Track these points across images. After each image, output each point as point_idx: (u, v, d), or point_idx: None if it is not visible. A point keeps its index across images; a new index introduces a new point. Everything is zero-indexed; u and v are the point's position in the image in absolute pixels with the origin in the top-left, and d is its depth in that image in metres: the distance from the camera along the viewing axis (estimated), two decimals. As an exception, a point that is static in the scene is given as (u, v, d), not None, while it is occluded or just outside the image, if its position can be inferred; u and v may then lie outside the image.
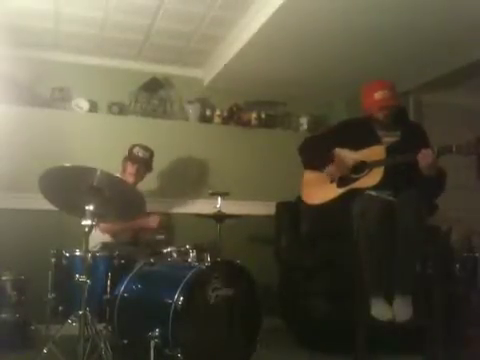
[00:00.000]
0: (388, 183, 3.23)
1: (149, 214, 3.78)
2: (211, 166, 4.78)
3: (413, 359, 3.32)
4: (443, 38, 3.81)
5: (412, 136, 3.38)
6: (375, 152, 3.34)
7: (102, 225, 3.59)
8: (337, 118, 4.79)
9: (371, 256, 3.10)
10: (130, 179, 3.85)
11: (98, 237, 3.57)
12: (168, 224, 4.18)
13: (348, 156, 3.44)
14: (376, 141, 3.38)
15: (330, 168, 3.45)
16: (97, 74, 4.61)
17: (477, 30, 3.65)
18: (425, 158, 3.07)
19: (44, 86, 4.47)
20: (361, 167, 3.37)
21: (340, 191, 3.41)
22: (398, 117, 3.42)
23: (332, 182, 3.46)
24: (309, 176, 3.65)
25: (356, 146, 3.41)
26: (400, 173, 3.21)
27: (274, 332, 3.80)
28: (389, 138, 3.39)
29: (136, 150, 3.97)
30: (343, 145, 3.46)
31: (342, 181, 3.42)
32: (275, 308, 3.81)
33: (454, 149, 3.02)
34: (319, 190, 3.52)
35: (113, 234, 3.77)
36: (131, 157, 3.95)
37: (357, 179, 3.37)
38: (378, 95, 3.31)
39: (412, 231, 3.06)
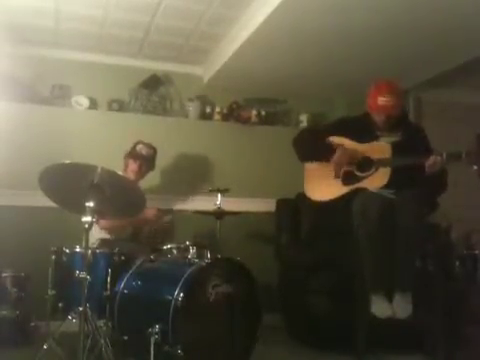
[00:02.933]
0: (390, 181, 3.23)
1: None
2: (211, 163, 4.78)
3: (413, 357, 3.33)
4: (443, 36, 3.81)
5: (413, 138, 3.36)
6: (379, 149, 3.32)
7: (101, 222, 3.58)
8: (337, 115, 4.76)
9: (371, 253, 3.11)
10: (131, 176, 3.83)
11: (96, 233, 3.55)
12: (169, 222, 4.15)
13: (347, 144, 3.42)
14: (374, 139, 3.37)
15: (337, 155, 3.36)
16: (97, 71, 4.61)
17: (477, 28, 3.65)
18: (433, 166, 3.09)
19: (44, 83, 4.47)
20: (367, 164, 3.34)
21: (346, 189, 3.37)
22: (398, 120, 3.39)
23: (336, 177, 3.42)
24: (311, 168, 3.58)
25: (358, 140, 3.40)
26: (402, 172, 3.21)
27: (274, 329, 3.80)
28: (388, 138, 3.37)
29: (139, 147, 3.94)
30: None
31: (347, 177, 3.39)
32: (275, 305, 3.82)
33: (463, 156, 3.01)
34: (324, 186, 3.47)
35: (112, 230, 3.74)
36: (134, 154, 3.93)
37: (363, 178, 3.34)
38: (381, 101, 3.29)
39: (412, 228, 3.06)
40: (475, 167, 3.00)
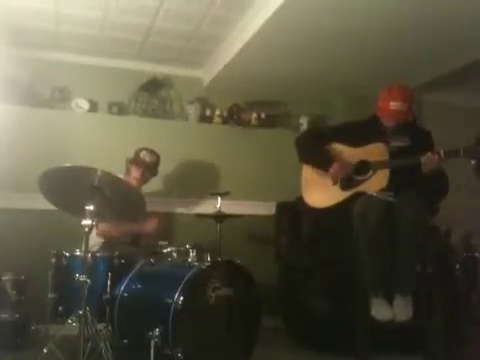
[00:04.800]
0: (389, 184, 3.22)
1: (146, 217, 3.70)
2: (211, 166, 4.78)
3: (413, 359, 3.32)
4: (443, 38, 3.82)
5: (420, 143, 3.33)
6: (376, 150, 3.31)
7: (100, 228, 3.57)
8: (337, 117, 4.80)
9: (371, 256, 3.10)
10: (134, 182, 3.81)
11: (94, 240, 3.50)
12: (165, 226, 4.14)
13: (347, 152, 3.41)
14: (381, 141, 3.33)
15: (334, 168, 3.37)
16: (97, 74, 4.61)
17: (477, 30, 3.65)
18: (430, 163, 3.07)
19: (44, 86, 4.48)
20: (364, 167, 3.32)
21: (346, 194, 3.36)
22: (407, 125, 3.37)
23: (335, 183, 3.41)
24: (309, 173, 3.58)
25: (358, 146, 3.39)
26: (401, 174, 3.20)
27: (274, 332, 3.81)
28: (397, 142, 3.35)
29: (143, 154, 3.93)
30: (345, 144, 3.44)
31: (346, 182, 3.38)
32: (275, 308, 3.81)
33: (461, 153, 3.01)
34: (323, 192, 3.46)
35: (110, 238, 3.69)
36: (137, 161, 3.91)
37: (362, 181, 3.33)
38: (393, 106, 3.26)
39: (412, 231, 3.06)
40: (473, 162, 3.00)
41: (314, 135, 3.70)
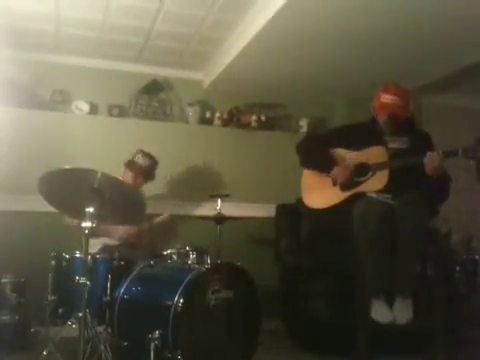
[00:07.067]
0: (388, 186, 3.22)
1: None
2: (211, 168, 4.78)
3: (413, 360, 3.33)
4: (443, 40, 3.82)
5: (419, 144, 3.33)
6: (376, 153, 3.32)
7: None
8: (337, 120, 4.81)
9: (371, 258, 3.10)
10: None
11: (93, 242, 3.46)
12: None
13: (348, 156, 3.42)
14: (379, 144, 3.34)
15: (336, 171, 3.38)
16: (97, 76, 4.62)
17: (476, 31, 3.66)
18: (432, 161, 3.07)
19: (44, 88, 4.48)
20: (364, 169, 3.33)
21: (345, 195, 3.37)
22: (405, 125, 3.38)
23: (335, 185, 3.42)
24: (309, 177, 3.60)
25: (358, 148, 3.40)
26: (401, 176, 3.20)
27: (274, 334, 3.79)
28: (395, 144, 3.36)
29: (137, 157, 3.88)
30: (344, 147, 3.45)
31: (345, 184, 3.38)
32: (275, 310, 3.81)
33: (460, 152, 3.01)
34: (322, 194, 3.47)
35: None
36: (130, 163, 3.88)
37: (361, 182, 3.33)
38: (385, 98, 3.29)
39: (412, 233, 3.05)
40: (472, 162, 3.01)
41: (314, 140, 3.72)
